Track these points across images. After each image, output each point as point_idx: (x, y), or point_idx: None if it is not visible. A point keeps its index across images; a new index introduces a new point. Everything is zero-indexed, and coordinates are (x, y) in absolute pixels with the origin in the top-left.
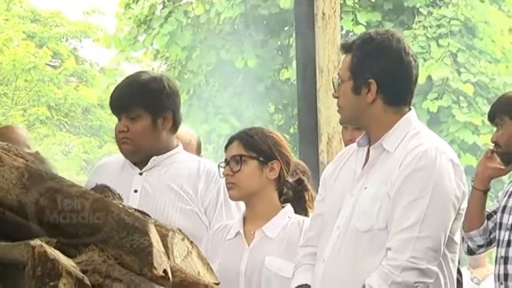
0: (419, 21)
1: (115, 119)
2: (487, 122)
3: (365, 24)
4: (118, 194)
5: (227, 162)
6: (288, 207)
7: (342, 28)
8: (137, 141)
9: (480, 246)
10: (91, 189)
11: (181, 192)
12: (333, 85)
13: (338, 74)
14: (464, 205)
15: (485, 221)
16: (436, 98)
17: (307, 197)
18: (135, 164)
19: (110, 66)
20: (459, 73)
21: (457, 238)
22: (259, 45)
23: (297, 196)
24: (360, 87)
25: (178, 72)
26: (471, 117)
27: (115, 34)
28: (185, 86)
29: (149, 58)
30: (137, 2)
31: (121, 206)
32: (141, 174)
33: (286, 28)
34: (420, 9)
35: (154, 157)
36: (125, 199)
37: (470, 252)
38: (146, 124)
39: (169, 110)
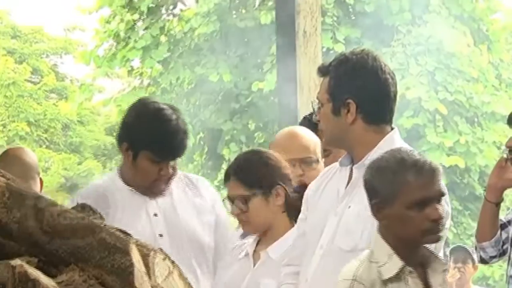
0: (398, 39)
1: (95, 135)
2: (462, 142)
3: (343, 42)
4: (100, 213)
5: (231, 200)
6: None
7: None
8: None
9: (492, 257)
10: (72, 207)
11: (198, 204)
12: (313, 110)
13: (317, 98)
14: (447, 224)
15: (498, 232)
16: (412, 116)
17: None
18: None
19: (86, 81)
20: (436, 91)
21: (441, 255)
22: (236, 60)
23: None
24: (339, 108)
25: (153, 88)
26: (444, 138)
27: (92, 50)
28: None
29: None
30: (114, 17)
31: (102, 225)
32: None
33: (265, 44)
34: (399, 27)
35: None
36: (149, 223)
37: (483, 261)
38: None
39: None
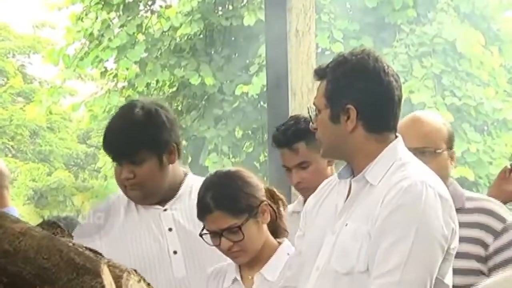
0: (400, 39)
1: (66, 144)
2: (473, 150)
3: (342, 40)
4: (68, 231)
5: (219, 234)
6: (286, 243)
7: (317, 45)
8: (147, 185)
9: None
10: (38, 225)
11: None
12: (310, 117)
13: (314, 103)
14: (455, 243)
15: None
16: None
17: (280, 205)
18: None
19: (54, 83)
20: (443, 96)
21: (448, 280)
22: (220, 62)
23: (277, 218)
24: (338, 114)
25: (129, 92)
26: None
27: (62, 49)
28: None
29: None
30: (87, 14)
31: (70, 244)
32: (165, 210)
33: (253, 45)
34: (402, 26)
35: (180, 193)
36: (164, 238)
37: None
38: (152, 165)
39: (172, 142)
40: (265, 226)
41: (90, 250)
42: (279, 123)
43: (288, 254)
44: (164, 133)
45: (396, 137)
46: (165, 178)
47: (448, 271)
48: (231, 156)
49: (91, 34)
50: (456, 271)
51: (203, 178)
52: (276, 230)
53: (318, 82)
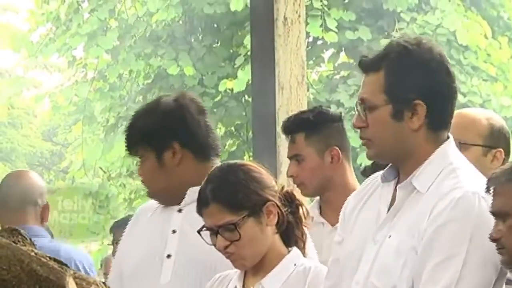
0: (400, 28)
1: (29, 141)
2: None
3: (336, 30)
4: (30, 239)
5: (215, 231)
6: (294, 252)
7: (308, 34)
8: (148, 184)
9: None
10: None
11: None
12: (360, 113)
13: (363, 99)
14: None
15: None
16: None
17: (301, 213)
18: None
19: (16, 73)
20: None
21: None
22: (201, 52)
23: (295, 225)
24: (401, 111)
25: (99, 83)
26: None
27: (24, 35)
28: (108, 100)
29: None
30: None
31: (33, 254)
32: (180, 211)
33: (236, 33)
34: (402, 14)
35: (192, 189)
36: (163, 241)
37: None
38: (151, 163)
39: (174, 141)
40: (271, 230)
41: (55, 260)
42: (264, 120)
43: (295, 264)
44: (161, 129)
45: (448, 137)
46: (170, 178)
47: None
48: None
49: (58, 18)
50: None
51: None
52: (290, 237)
53: (364, 77)
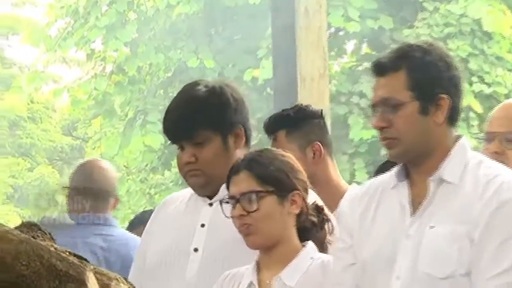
0: (423, 18)
1: (49, 136)
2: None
3: (358, 19)
4: (50, 234)
5: (236, 199)
6: (310, 245)
7: (329, 24)
8: (210, 170)
9: None
10: (16, 227)
11: None
12: (377, 113)
13: (384, 99)
14: None
15: None
16: None
17: (327, 230)
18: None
19: (36, 68)
20: (470, 82)
21: None
22: (222, 43)
23: (315, 229)
24: (427, 106)
25: (118, 77)
26: (480, 140)
27: (43, 29)
28: (127, 93)
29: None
30: None
31: (52, 249)
32: (211, 205)
33: (259, 25)
34: (424, 4)
35: (225, 185)
36: (190, 234)
37: None
38: (216, 147)
39: (239, 124)
40: (291, 220)
41: (75, 255)
42: None
43: (311, 258)
44: (228, 111)
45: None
46: (230, 164)
47: None
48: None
49: (76, 11)
50: None
51: None
52: (307, 239)
53: (380, 79)
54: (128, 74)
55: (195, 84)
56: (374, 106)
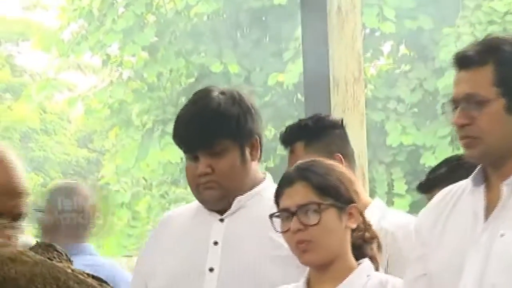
0: (464, 16)
1: (64, 148)
2: None
3: (394, 19)
4: (66, 255)
5: (291, 212)
6: (366, 263)
7: (363, 25)
8: (227, 183)
9: None
10: (30, 248)
11: (275, 237)
12: (459, 110)
13: (469, 95)
14: None
15: None
16: None
17: (375, 248)
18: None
19: (47, 75)
20: None
21: None
22: (247, 47)
23: (368, 246)
24: None
25: (136, 83)
26: None
27: (55, 33)
28: (146, 101)
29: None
30: None
31: (69, 271)
32: (222, 220)
33: (287, 26)
34: (466, 1)
35: (239, 198)
36: (203, 253)
37: None
38: (234, 158)
39: (256, 134)
40: (349, 235)
41: (93, 277)
42: None
43: (368, 276)
44: (249, 120)
45: None
46: (246, 177)
47: None
48: (262, 159)
49: (91, 13)
50: None
51: None
52: (359, 256)
53: (463, 73)
54: (147, 81)
55: (208, 90)
56: (455, 102)
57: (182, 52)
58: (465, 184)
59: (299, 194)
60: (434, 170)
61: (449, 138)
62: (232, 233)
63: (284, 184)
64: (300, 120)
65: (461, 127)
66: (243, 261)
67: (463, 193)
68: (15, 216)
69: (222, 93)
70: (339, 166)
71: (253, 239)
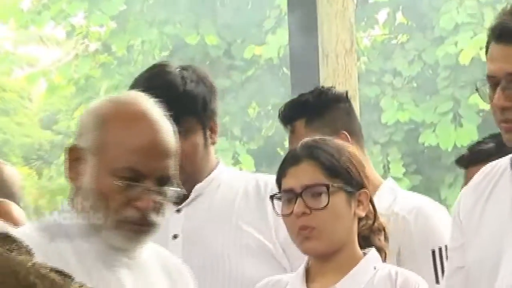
0: None
1: (25, 130)
2: None
3: None
4: (27, 247)
5: (296, 194)
6: (372, 253)
7: None
8: (189, 167)
9: None
10: None
11: (244, 225)
12: (498, 90)
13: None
14: None
15: None
16: None
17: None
18: None
19: (3, 47)
20: None
21: None
22: (229, 16)
23: (376, 236)
24: None
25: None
26: None
27: (13, 3)
28: (115, 77)
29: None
30: None
31: (30, 264)
32: (178, 211)
33: None
34: None
35: (198, 185)
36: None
37: None
38: (197, 140)
39: (215, 116)
40: (355, 226)
41: (57, 271)
42: None
43: (375, 268)
44: (212, 100)
45: None
46: (208, 161)
47: None
48: (244, 140)
49: None
50: None
51: (238, 170)
52: (366, 246)
53: (501, 47)
54: (116, 54)
55: (165, 65)
56: (492, 79)
57: (154, 22)
58: (505, 164)
59: (306, 174)
60: (479, 143)
61: (450, 115)
62: (193, 224)
63: (288, 162)
64: (300, 95)
65: (501, 109)
66: (209, 254)
67: (503, 174)
68: (160, 180)
69: (181, 68)
70: (350, 146)
71: (217, 229)
